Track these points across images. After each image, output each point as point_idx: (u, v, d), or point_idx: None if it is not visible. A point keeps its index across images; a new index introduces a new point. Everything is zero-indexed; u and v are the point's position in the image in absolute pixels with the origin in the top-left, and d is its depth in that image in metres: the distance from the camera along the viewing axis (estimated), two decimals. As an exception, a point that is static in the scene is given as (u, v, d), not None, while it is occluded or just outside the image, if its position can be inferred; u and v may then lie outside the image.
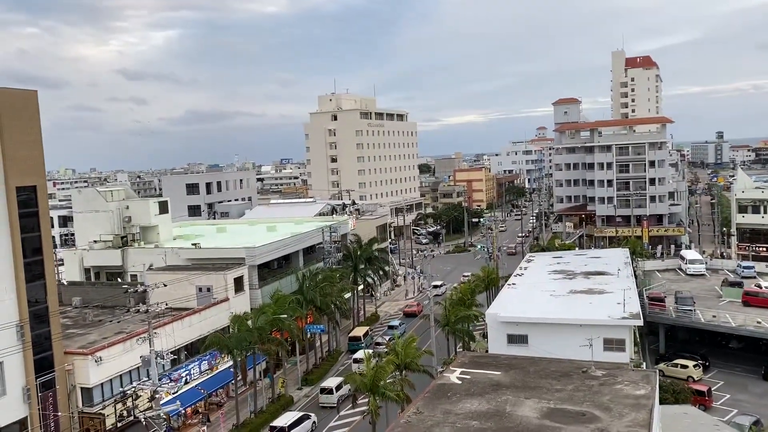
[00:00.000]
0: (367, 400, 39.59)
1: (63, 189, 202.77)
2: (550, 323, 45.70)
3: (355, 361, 55.03)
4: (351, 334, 64.86)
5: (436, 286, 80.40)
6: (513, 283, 57.67)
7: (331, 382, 50.71)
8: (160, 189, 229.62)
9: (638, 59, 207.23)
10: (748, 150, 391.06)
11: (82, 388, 39.48)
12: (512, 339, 46.41)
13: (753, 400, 46.39)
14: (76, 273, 61.00)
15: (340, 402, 47.46)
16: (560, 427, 27.57)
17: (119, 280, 59.17)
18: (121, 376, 41.16)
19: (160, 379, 29.41)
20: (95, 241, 61.60)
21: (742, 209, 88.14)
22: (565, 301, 50.62)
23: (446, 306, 52.60)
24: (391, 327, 68.32)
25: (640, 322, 44.25)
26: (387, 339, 60.88)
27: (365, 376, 36.92)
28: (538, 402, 30.62)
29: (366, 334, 64.63)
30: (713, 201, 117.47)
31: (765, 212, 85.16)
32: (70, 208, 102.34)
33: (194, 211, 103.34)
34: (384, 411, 39.07)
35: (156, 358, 35.37)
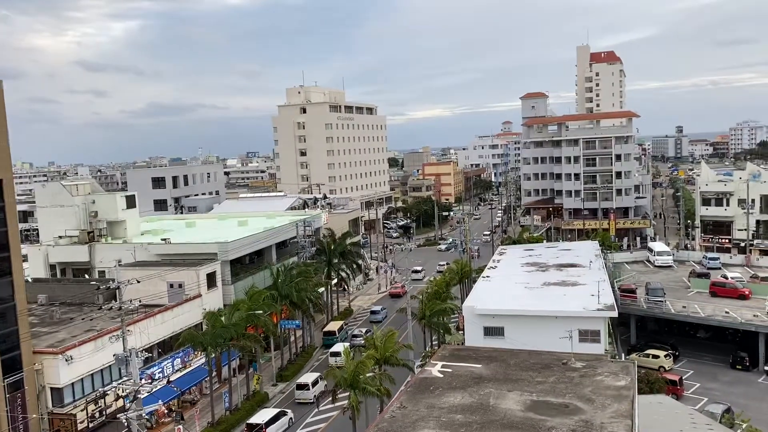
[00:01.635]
0: (345, 395, 39.32)
1: (21, 183, 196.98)
2: (526, 315, 46.04)
3: (333, 354, 55.26)
4: (325, 329, 64.62)
5: (416, 271, 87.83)
6: (487, 276, 57.96)
7: (307, 378, 50.33)
8: (123, 183, 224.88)
9: (602, 54, 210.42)
10: (706, 144, 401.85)
11: (51, 389, 38.26)
12: (489, 331, 46.63)
13: (722, 388, 47.50)
14: (41, 269, 59.17)
15: (317, 398, 47.01)
16: (545, 420, 27.67)
17: (86, 276, 57.57)
18: (92, 375, 40.03)
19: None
20: (60, 237, 59.85)
21: (706, 202, 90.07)
22: (540, 293, 51.07)
23: (422, 300, 52.48)
24: (373, 312, 71.67)
25: (615, 314, 44.87)
26: (365, 331, 62.11)
27: (345, 371, 36.54)
28: (521, 394, 30.71)
29: (341, 329, 64.60)
30: (678, 194, 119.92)
31: (728, 205, 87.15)
32: (30, 203, 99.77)
33: (161, 205, 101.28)
34: (363, 406, 38.77)
35: (130, 355, 34.51)
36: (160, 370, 44.56)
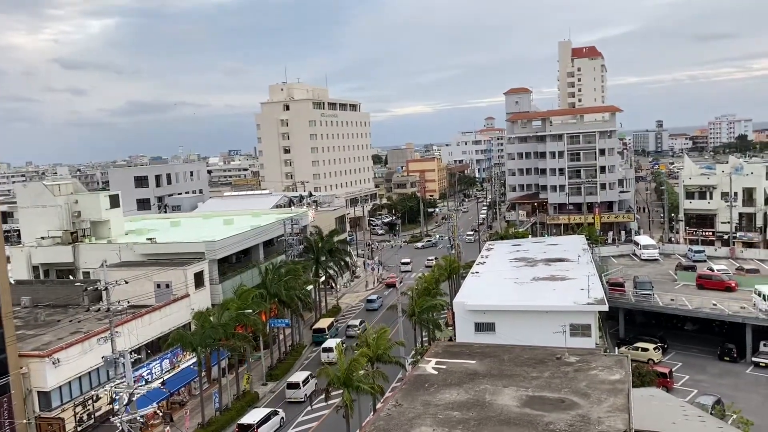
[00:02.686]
0: (337, 393, 39.05)
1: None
2: (517, 310, 46.02)
3: (325, 350, 55.87)
4: (315, 326, 64.44)
5: (405, 263, 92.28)
6: (476, 272, 57.94)
7: (297, 376, 50.03)
8: (104, 182, 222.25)
9: (584, 49, 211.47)
10: (686, 138, 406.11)
11: (39, 392, 37.51)
12: (480, 327, 46.55)
13: (711, 380, 47.90)
14: (24, 271, 58.09)
15: (310, 396, 46.68)
16: (542, 415, 27.62)
17: (71, 277, 56.65)
18: (80, 378, 39.32)
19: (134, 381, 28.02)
20: (43, 238, 58.78)
21: (690, 195, 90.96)
22: (530, 288, 51.13)
23: (412, 296, 52.32)
24: (369, 301, 75.46)
25: (606, 307, 45.05)
26: (359, 322, 65.00)
27: (338, 369, 36.26)
28: (517, 390, 30.64)
29: (331, 326, 64.54)
30: (662, 188, 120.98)
31: (711, 198, 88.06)
32: (10, 203, 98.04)
33: (143, 204, 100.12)
34: (355, 404, 38.51)
35: (119, 358, 33.92)
36: (149, 371, 43.92)
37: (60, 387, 37.96)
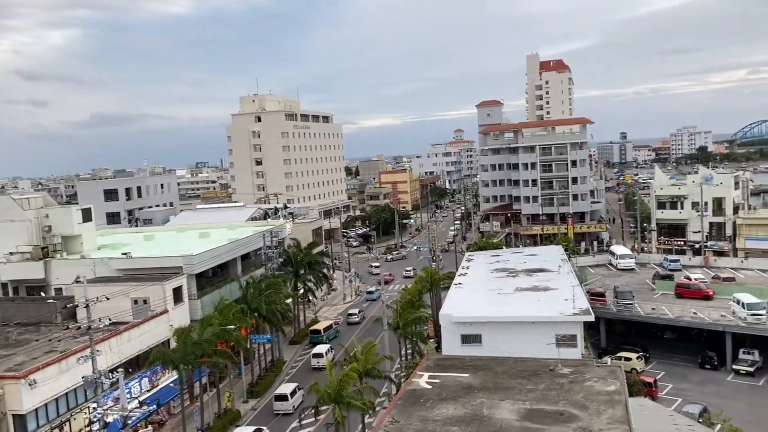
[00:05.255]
0: (326, 407, 38.22)
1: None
2: (503, 322, 45.69)
3: (315, 356, 57.55)
4: (313, 328, 66.83)
5: (375, 266, 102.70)
6: (459, 283, 57.53)
7: (285, 388, 49.62)
8: (69, 196, 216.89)
9: (552, 63, 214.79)
10: (649, 149, 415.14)
11: (14, 415, 35.75)
12: (466, 339, 46.02)
13: (694, 388, 48.30)
14: (-8, 288, 55.85)
15: (300, 413, 45.69)
16: (542, 429, 27.31)
17: (42, 294, 54.61)
18: (57, 399, 37.65)
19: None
20: (11, 253, 56.68)
21: (661, 205, 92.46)
22: (514, 299, 50.87)
23: (397, 309, 51.76)
24: (369, 292, 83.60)
25: (592, 318, 44.96)
26: (358, 312, 73.79)
27: (329, 386, 35.44)
28: (514, 403, 30.32)
29: (328, 328, 66.65)
30: (634, 198, 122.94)
31: (682, 208, 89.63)
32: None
33: (113, 218, 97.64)
34: (345, 421, 37.68)
35: (101, 378, 32.61)
36: (128, 390, 42.32)
37: (36, 409, 36.27)
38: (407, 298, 53.67)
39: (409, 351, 53.91)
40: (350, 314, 75.50)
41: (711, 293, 58.26)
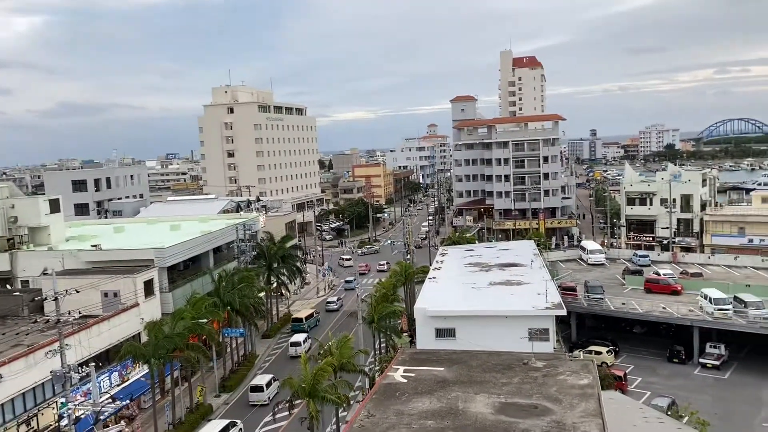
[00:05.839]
0: (300, 401, 38.09)
1: None
2: (477, 316, 46.01)
3: (292, 344, 59.05)
4: (294, 316, 68.55)
5: (346, 259, 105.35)
6: (433, 277, 57.71)
7: (260, 379, 49.75)
8: (35, 186, 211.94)
9: (524, 59, 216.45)
10: (618, 147, 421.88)
11: (-21, 411, 34.91)
12: (440, 333, 46.18)
13: (662, 381, 49.25)
14: (-45, 281, 54.31)
15: (273, 408, 45.42)
16: (517, 422, 27.53)
17: (8, 286, 53.31)
18: (24, 394, 36.83)
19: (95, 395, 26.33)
20: (-24, 245, 55.19)
21: (631, 202, 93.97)
22: (488, 293, 51.19)
23: (372, 303, 51.74)
24: (347, 281, 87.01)
25: (564, 312, 45.46)
26: (336, 300, 77.06)
27: (303, 380, 35.28)
28: (488, 397, 30.52)
29: (310, 316, 68.10)
30: (604, 194, 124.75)
31: (651, 204, 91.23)
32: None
33: (82, 209, 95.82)
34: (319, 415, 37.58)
35: (70, 372, 31.97)
36: (97, 385, 41.60)
37: (2, 405, 35.45)
38: (382, 292, 53.62)
39: (383, 345, 53.92)
40: (329, 302, 77.42)
41: (679, 288, 59.44)
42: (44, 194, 79.87)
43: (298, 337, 60.36)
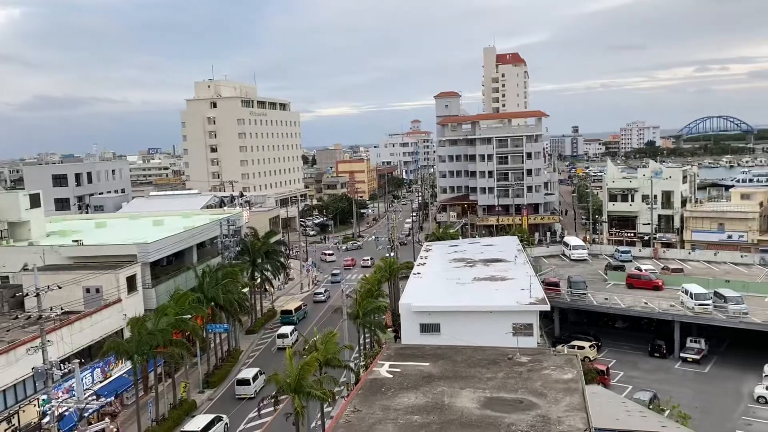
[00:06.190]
0: (285, 397, 38.05)
1: None
2: (461, 311, 46.33)
3: (280, 336, 60.03)
4: (283, 308, 70.12)
5: (329, 254, 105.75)
6: (418, 273, 57.97)
7: (247, 373, 49.96)
8: (13, 181, 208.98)
9: (508, 56, 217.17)
10: (599, 143, 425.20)
11: (-42, 409, 34.42)
12: (425, 328, 46.52)
13: (644, 375, 49.86)
14: (-68, 276, 53.39)
15: (258, 405, 45.35)
16: (502, 417, 27.71)
17: (-12, 282, 52.52)
18: (4, 391, 36.36)
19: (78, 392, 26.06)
20: (-46, 240, 54.36)
21: (613, 198, 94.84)
22: (472, 288, 51.57)
23: (357, 298, 51.77)
24: (334, 274, 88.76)
25: (547, 307, 45.98)
26: (324, 291, 78.89)
27: (288, 375, 35.24)
28: (474, 392, 30.65)
29: (299, 308, 69.46)
30: (587, 190, 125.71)
31: (633, 200, 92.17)
32: None
33: (62, 204, 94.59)
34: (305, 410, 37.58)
35: (52, 369, 31.60)
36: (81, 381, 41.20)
37: (-18, 402, 35.03)
38: (366, 288, 53.67)
39: (367, 340, 54.03)
40: (317, 293, 79.14)
41: (660, 284, 60.16)
42: (24, 189, 78.86)
43: (286, 329, 61.21)
